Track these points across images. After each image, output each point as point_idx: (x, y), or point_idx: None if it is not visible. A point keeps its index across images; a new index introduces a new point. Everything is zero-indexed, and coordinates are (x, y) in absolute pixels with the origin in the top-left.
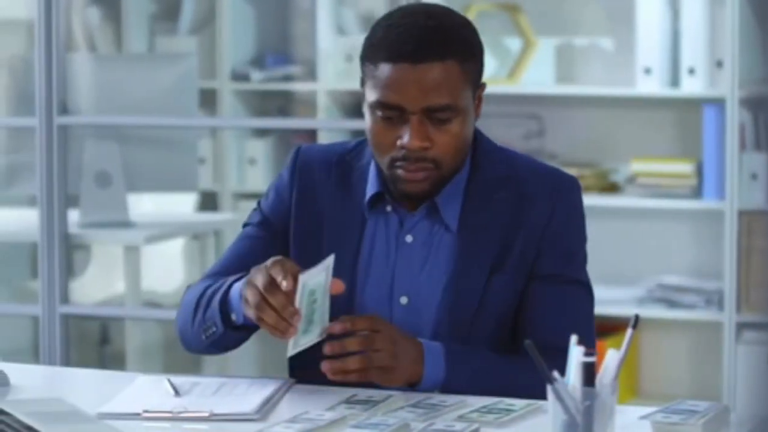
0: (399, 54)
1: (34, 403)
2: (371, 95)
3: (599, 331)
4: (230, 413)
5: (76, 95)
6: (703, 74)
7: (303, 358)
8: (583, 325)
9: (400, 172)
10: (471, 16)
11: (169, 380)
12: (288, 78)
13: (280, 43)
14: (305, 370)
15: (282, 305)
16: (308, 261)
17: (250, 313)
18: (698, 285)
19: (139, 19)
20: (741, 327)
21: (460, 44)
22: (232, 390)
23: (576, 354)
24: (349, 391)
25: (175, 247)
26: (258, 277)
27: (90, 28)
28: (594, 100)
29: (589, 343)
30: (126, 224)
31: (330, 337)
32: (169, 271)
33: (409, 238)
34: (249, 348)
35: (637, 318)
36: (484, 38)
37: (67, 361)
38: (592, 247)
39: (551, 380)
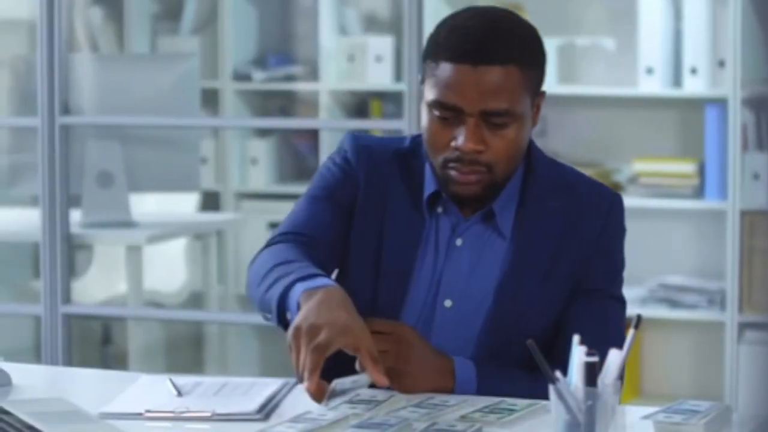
0: (461, 54)
1: (36, 403)
2: (430, 94)
3: None
4: (232, 413)
5: (79, 95)
6: (705, 74)
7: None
8: (618, 342)
9: (452, 173)
10: None
11: (171, 380)
12: (290, 78)
13: (282, 43)
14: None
15: (311, 394)
16: (362, 252)
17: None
18: (700, 285)
19: (141, 19)
20: (743, 327)
21: (522, 50)
22: (234, 390)
23: (578, 354)
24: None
25: (177, 246)
26: (297, 348)
27: (92, 28)
28: (596, 100)
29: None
30: (128, 224)
31: None
32: (171, 271)
33: (459, 242)
34: (251, 348)
35: (639, 318)
36: None
37: (69, 361)
38: None
39: (553, 380)
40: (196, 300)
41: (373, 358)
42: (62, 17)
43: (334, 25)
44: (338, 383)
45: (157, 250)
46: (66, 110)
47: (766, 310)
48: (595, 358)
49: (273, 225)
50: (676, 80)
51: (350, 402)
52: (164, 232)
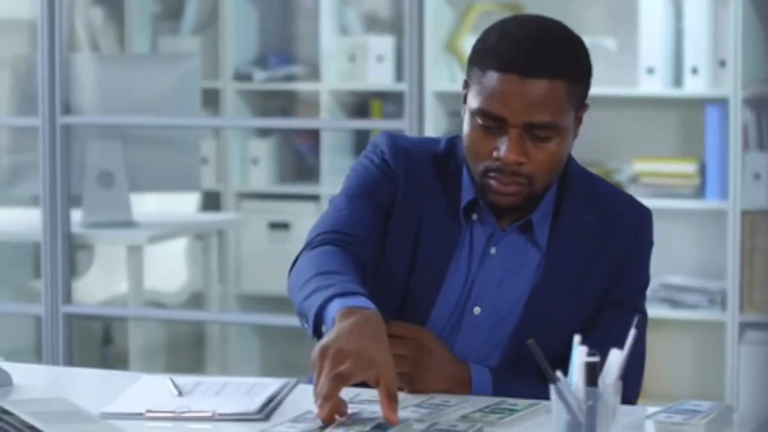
0: (508, 65)
1: (37, 402)
2: (474, 101)
3: None
4: (233, 413)
5: (79, 95)
6: (706, 74)
7: None
8: (640, 356)
9: (492, 183)
10: (474, 15)
11: (172, 380)
12: (291, 78)
13: (283, 43)
14: None
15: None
16: (396, 255)
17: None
18: (701, 285)
19: (142, 19)
20: (744, 327)
21: (570, 64)
22: (235, 390)
23: (579, 354)
24: (352, 391)
25: (178, 246)
26: (320, 368)
27: (93, 28)
28: (597, 100)
29: (639, 374)
30: (129, 224)
31: None
32: (172, 270)
33: (493, 250)
34: (251, 348)
35: (640, 318)
36: None
37: (69, 361)
38: None
39: (554, 380)
40: (196, 300)
41: (390, 395)
42: (63, 17)
43: (334, 25)
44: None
45: (157, 250)
46: (67, 110)
47: (766, 309)
48: (596, 358)
49: (274, 225)
50: (677, 80)
51: (351, 402)
52: (165, 232)
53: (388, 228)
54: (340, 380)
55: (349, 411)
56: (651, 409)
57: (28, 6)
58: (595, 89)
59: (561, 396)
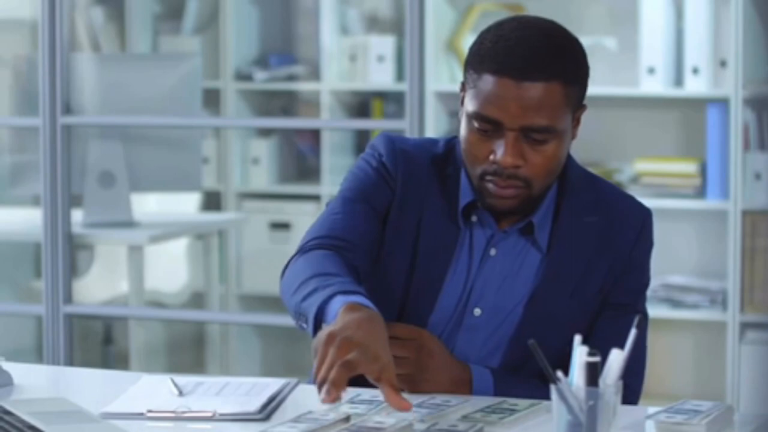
0: (504, 68)
1: (38, 402)
2: (470, 105)
3: None
4: (234, 413)
5: (80, 95)
6: (707, 74)
7: None
8: (641, 357)
9: (490, 186)
10: (474, 16)
11: (172, 380)
12: (291, 78)
13: (284, 43)
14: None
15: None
16: (395, 258)
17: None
18: (702, 285)
19: (143, 19)
20: (744, 327)
21: (566, 66)
22: (236, 390)
23: (580, 354)
24: (353, 391)
25: (179, 246)
26: (324, 354)
27: (94, 28)
28: (597, 100)
29: (641, 375)
30: (130, 224)
31: None
32: (173, 270)
33: (493, 252)
34: (252, 348)
35: (641, 318)
36: None
37: (70, 361)
38: None
39: (555, 380)
40: (197, 300)
41: (395, 387)
42: (64, 17)
43: (335, 25)
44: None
45: (158, 249)
46: (68, 110)
47: (767, 309)
48: (596, 358)
49: (274, 225)
50: (678, 80)
51: (351, 402)
52: (166, 231)
53: (386, 231)
54: (348, 368)
55: (350, 411)
56: (651, 409)
57: (28, 6)
58: (596, 89)
59: (562, 396)
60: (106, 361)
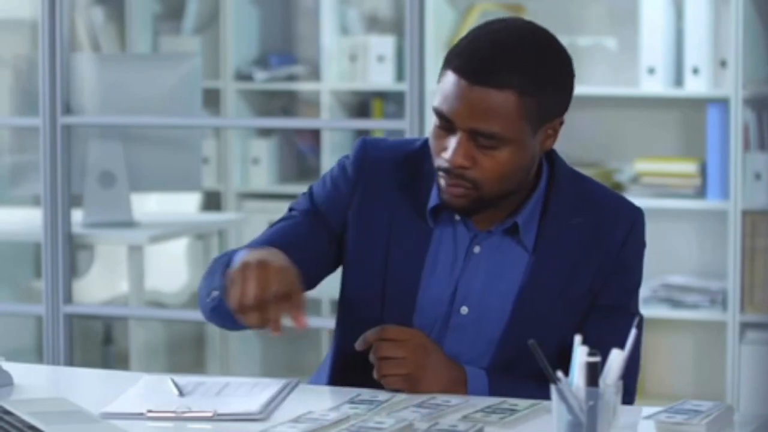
0: (462, 69)
1: (38, 402)
2: (435, 99)
3: None
4: (234, 413)
5: (80, 95)
6: (707, 74)
7: (344, 361)
8: (634, 359)
9: (441, 182)
10: (474, 15)
11: (172, 380)
12: (291, 78)
13: (284, 43)
14: (346, 373)
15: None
16: (367, 263)
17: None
18: (702, 285)
19: (143, 19)
20: (745, 327)
21: (525, 77)
22: (236, 390)
23: (580, 354)
24: (353, 391)
25: (179, 246)
26: (244, 278)
27: (94, 28)
28: (598, 100)
29: (635, 377)
30: (130, 224)
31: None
32: (173, 271)
33: (477, 249)
34: (252, 348)
35: (641, 318)
36: None
37: (70, 361)
38: None
39: (555, 380)
40: (197, 300)
41: (300, 306)
42: (64, 17)
43: (335, 25)
44: None
45: (158, 250)
46: (68, 110)
47: (767, 309)
48: (597, 358)
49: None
50: (678, 80)
51: (351, 402)
52: (166, 232)
53: (353, 240)
54: (263, 290)
55: (349, 410)
56: (651, 409)
57: (28, 6)
58: (596, 89)
59: (562, 396)
60: (106, 361)
